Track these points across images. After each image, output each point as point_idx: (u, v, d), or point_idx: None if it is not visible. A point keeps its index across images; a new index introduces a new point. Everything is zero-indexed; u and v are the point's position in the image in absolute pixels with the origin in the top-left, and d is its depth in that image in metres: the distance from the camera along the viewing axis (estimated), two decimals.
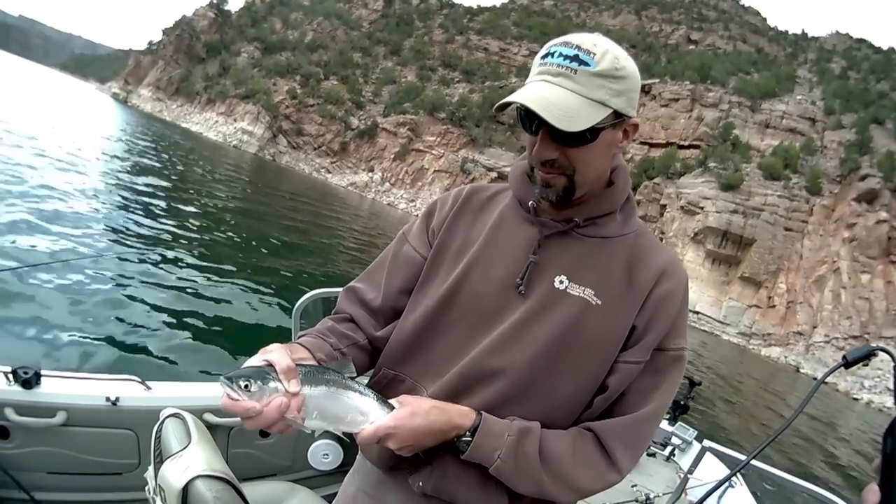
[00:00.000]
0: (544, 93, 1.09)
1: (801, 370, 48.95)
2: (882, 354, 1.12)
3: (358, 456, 1.49)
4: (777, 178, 64.55)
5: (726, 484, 2.87)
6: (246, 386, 0.99)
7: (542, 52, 1.15)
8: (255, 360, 1.06)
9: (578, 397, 1.23)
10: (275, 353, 1.05)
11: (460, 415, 1.17)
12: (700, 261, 59.10)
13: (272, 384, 1.01)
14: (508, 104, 1.15)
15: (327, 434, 2.79)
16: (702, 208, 60.84)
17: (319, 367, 1.12)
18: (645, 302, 1.21)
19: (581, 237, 1.27)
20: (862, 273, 54.43)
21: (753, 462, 2.48)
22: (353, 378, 1.13)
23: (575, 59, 1.09)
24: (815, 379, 45.25)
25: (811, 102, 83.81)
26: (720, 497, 2.94)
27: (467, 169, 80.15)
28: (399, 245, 1.44)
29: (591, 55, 1.09)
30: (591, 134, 1.13)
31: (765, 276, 58.52)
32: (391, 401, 1.16)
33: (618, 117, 1.15)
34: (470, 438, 1.16)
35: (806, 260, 59.28)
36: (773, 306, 57.60)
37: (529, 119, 1.15)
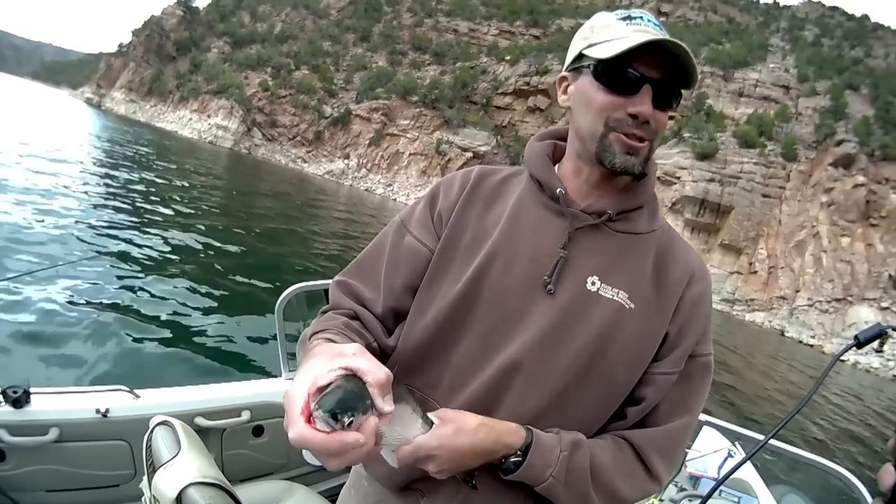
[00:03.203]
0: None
1: (786, 334, 49.30)
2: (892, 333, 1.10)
3: (353, 471, 1.36)
4: (752, 145, 64.76)
5: (725, 455, 2.91)
6: (350, 422, 0.73)
7: (621, 14, 1.09)
8: (329, 365, 0.78)
9: (608, 407, 1.14)
10: (361, 360, 0.80)
11: (510, 433, 1.05)
12: (679, 230, 57.88)
13: (369, 417, 0.77)
14: (632, 49, 1.02)
15: None
16: (678, 178, 60.84)
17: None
18: (677, 307, 1.13)
19: (612, 232, 1.15)
20: (842, 237, 54.83)
21: (754, 434, 2.55)
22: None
23: (661, 29, 1.06)
24: (801, 342, 45.79)
25: (784, 70, 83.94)
26: (720, 467, 2.89)
27: (442, 150, 79.45)
28: (398, 236, 1.25)
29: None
30: (678, 99, 1.09)
31: (745, 243, 58.72)
32: (429, 415, 1.00)
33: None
34: (521, 458, 1.04)
35: (785, 225, 59.55)
36: (755, 272, 57.81)
37: (627, 74, 1.05)
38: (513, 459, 1.04)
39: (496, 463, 1.05)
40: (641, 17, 1.07)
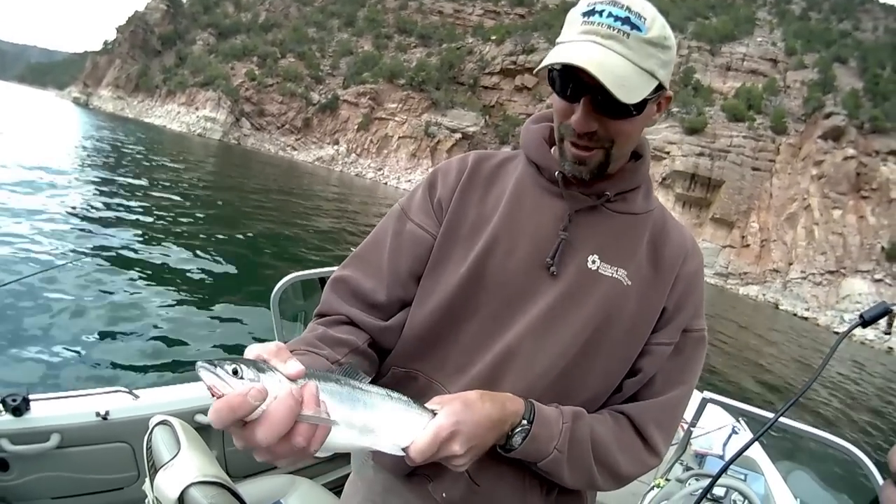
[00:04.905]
0: (598, 56, 0.95)
1: (781, 307, 49.59)
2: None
3: (356, 459, 1.36)
4: (741, 119, 65.11)
5: (730, 431, 2.91)
6: (234, 371, 0.68)
7: (583, 8, 1.00)
8: None
9: (609, 382, 1.15)
10: (256, 346, 0.77)
11: (510, 399, 1.03)
12: (670, 205, 59.16)
13: (270, 374, 0.71)
14: (551, 66, 1.00)
15: None
16: (668, 153, 61.00)
17: (324, 371, 0.83)
18: (674, 283, 1.15)
19: (610, 213, 1.16)
20: (833, 209, 55.00)
21: (758, 410, 2.57)
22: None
23: (626, 21, 0.96)
24: (795, 315, 45.84)
25: (772, 44, 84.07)
26: (724, 444, 2.88)
27: (431, 132, 79.59)
28: (399, 223, 1.23)
29: (643, 19, 0.97)
30: (638, 107, 1.01)
31: (736, 217, 58.95)
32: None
33: (658, 89, 1.03)
34: (527, 427, 1.02)
35: (776, 198, 59.69)
36: (747, 245, 57.99)
37: (567, 83, 1.01)
38: (518, 430, 1.02)
39: (501, 442, 1.03)
40: (601, 13, 0.97)
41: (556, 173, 1.15)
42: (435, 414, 0.91)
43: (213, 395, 0.68)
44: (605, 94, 0.96)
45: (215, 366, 0.68)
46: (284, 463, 0.72)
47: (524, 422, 1.02)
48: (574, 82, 1.00)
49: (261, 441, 0.68)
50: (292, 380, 0.72)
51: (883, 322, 1.12)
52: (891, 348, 38.34)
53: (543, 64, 1.00)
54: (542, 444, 1.03)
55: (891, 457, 0.54)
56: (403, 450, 0.86)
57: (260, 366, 0.71)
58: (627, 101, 0.95)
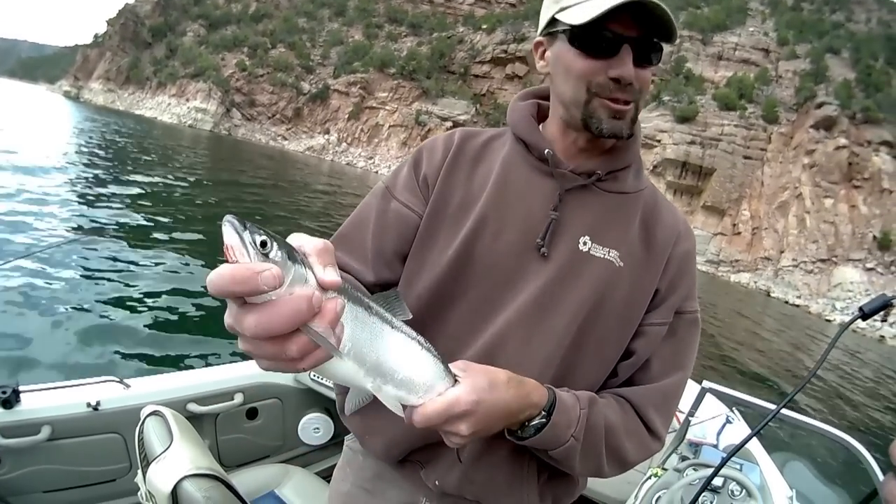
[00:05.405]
0: None
1: (772, 294, 49.44)
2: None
3: (346, 447, 1.33)
4: (732, 108, 64.94)
5: (724, 421, 2.84)
6: (263, 244, 0.57)
7: None
8: None
9: (605, 366, 1.13)
10: (304, 236, 0.66)
11: (535, 389, 0.97)
12: (661, 192, 58.92)
13: (300, 267, 0.60)
14: (610, 11, 0.95)
15: (316, 408, 2.79)
16: (659, 141, 60.80)
17: (358, 292, 0.71)
18: (666, 264, 1.12)
19: (601, 192, 1.12)
20: (825, 198, 54.93)
21: (756, 400, 2.56)
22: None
23: None
24: (787, 303, 45.70)
25: (764, 34, 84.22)
26: (718, 433, 2.80)
27: (422, 121, 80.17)
28: (384, 202, 1.18)
29: None
30: (658, 54, 1.03)
31: (727, 205, 58.84)
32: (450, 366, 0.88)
33: None
34: (545, 419, 0.97)
35: (767, 187, 59.65)
36: (739, 233, 57.94)
37: (604, 35, 0.99)
38: (535, 422, 0.97)
39: (514, 428, 0.98)
40: None
41: (546, 151, 1.10)
42: (456, 380, 0.84)
43: (226, 258, 0.57)
44: (642, 41, 0.99)
45: (245, 227, 0.57)
46: (266, 365, 0.62)
47: (542, 413, 0.97)
48: (609, 34, 0.98)
49: (248, 329, 0.58)
50: (323, 289, 0.61)
51: (880, 314, 1.11)
52: (882, 336, 38.18)
53: (602, 10, 0.94)
54: (560, 431, 0.98)
55: (892, 451, 0.53)
56: (405, 407, 0.78)
57: (294, 254, 0.60)
58: (673, 39, 0.99)
